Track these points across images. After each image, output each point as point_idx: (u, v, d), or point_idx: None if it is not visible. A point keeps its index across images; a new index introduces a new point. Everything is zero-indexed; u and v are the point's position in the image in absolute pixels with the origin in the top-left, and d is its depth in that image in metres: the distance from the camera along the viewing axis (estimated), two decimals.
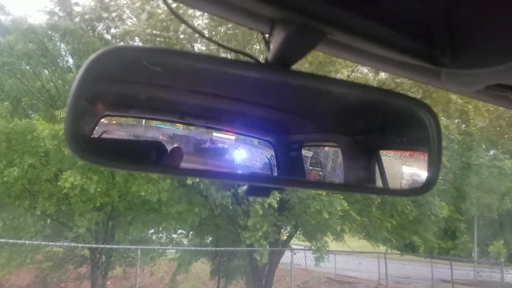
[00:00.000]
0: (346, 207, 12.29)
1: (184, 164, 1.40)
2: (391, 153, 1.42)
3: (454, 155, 15.81)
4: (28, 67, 13.78)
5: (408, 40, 0.91)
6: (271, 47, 0.88)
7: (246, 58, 0.98)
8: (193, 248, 14.53)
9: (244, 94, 1.37)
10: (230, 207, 12.69)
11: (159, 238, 15.51)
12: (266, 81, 0.98)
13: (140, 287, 13.54)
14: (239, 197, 12.87)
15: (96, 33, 14.86)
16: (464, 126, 15.52)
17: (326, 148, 1.74)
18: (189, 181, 11.69)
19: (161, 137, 1.71)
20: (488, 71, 0.91)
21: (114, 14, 13.02)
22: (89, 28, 14.42)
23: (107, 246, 12.77)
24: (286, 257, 14.72)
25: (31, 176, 11.66)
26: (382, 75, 12.52)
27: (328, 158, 1.72)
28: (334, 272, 19.72)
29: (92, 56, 0.81)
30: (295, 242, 16.66)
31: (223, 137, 1.77)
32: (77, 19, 13.11)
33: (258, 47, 12.02)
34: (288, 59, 0.89)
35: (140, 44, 11.84)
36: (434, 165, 1.10)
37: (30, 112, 14.42)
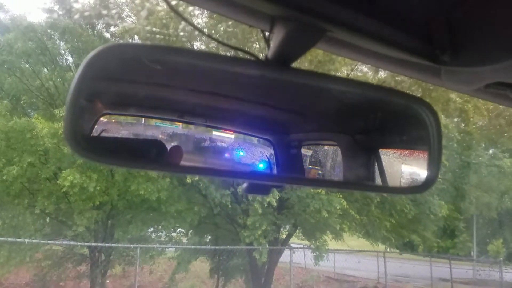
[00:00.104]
0: (345, 206, 12.30)
1: (184, 163, 1.40)
2: (390, 151, 1.42)
3: (453, 154, 15.84)
4: (27, 66, 13.78)
5: (408, 38, 0.91)
6: (271, 44, 0.88)
7: (246, 55, 0.98)
8: (193, 246, 14.53)
9: (243, 93, 1.36)
10: (230, 206, 12.69)
11: (159, 236, 15.52)
12: (266, 79, 0.97)
13: (140, 286, 13.53)
14: (239, 196, 12.88)
15: (95, 31, 14.86)
16: (463, 125, 15.53)
17: (326, 147, 1.74)
18: (188, 180, 11.68)
19: (160, 136, 1.70)
20: (488, 69, 0.91)
21: (113, 12, 13.00)
22: (88, 26, 14.42)
23: (107, 244, 12.78)
24: (285, 256, 14.73)
25: (30, 174, 11.67)
26: (382, 73, 12.54)
27: (327, 157, 1.72)
28: (333, 271, 19.73)
29: (91, 54, 0.81)
30: (294, 241, 16.69)
31: (223, 136, 1.77)
32: (76, 17, 13.09)
33: (257, 45, 12.02)
34: (288, 56, 0.89)
35: (139, 41, 11.82)
36: (434, 163, 1.10)
37: (29, 110, 14.41)
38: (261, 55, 0.95)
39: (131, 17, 13.65)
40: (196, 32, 12.14)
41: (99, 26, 14.88)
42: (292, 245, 15.60)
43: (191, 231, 15.03)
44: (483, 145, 17.81)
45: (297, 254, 15.63)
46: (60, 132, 10.12)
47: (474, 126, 15.50)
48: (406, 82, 11.84)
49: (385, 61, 1.08)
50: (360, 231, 16.19)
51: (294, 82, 1.00)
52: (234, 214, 13.80)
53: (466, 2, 0.89)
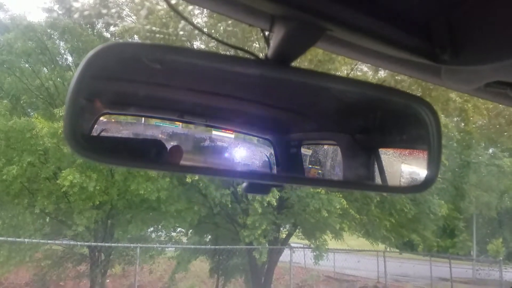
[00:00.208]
0: (345, 205, 12.30)
1: (183, 162, 1.40)
2: (390, 151, 1.42)
3: (453, 153, 15.84)
4: (27, 65, 13.77)
5: (408, 37, 0.91)
6: (271, 43, 0.88)
7: (246, 55, 0.98)
8: (192, 246, 14.53)
9: (243, 92, 1.36)
10: (229, 206, 12.69)
11: (158, 236, 15.51)
12: (265, 78, 0.97)
13: (139, 286, 13.54)
14: (238, 195, 12.88)
15: (95, 31, 14.84)
16: (463, 124, 15.53)
17: (326, 147, 1.74)
18: (188, 179, 11.68)
19: (160, 135, 1.71)
20: (488, 68, 0.91)
21: (113, 11, 13.00)
22: (88, 26, 14.42)
23: (106, 244, 12.78)
24: (285, 255, 14.73)
25: (30, 174, 11.66)
26: (382, 73, 12.53)
27: (327, 156, 1.72)
28: (333, 270, 19.73)
29: (90, 53, 0.80)
30: (294, 241, 16.68)
31: (223, 136, 1.77)
32: (76, 16, 13.09)
33: (257, 44, 12.02)
34: (288, 55, 0.89)
35: (139, 41, 11.82)
36: (433, 163, 1.10)
37: (29, 110, 14.40)
38: (261, 54, 0.95)
39: (131, 17, 13.66)
40: (196, 32, 12.14)
41: (99, 26, 14.88)
42: (292, 245, 15.61)
43: (191, 230, 15.03)
44: (483, 144, 17.80)
45: (297, 253, 15.63)
46: (60, 131, 10.12)
47: (474, 126, 15.51)
48: (406, 82, 11.85)
49: (385, 60, 1.08)
50: (360, 231, 16.18)
51: (294, 81, 1.00)
52: (234, 214, 13.81)
53: (466, 2, 0.89)
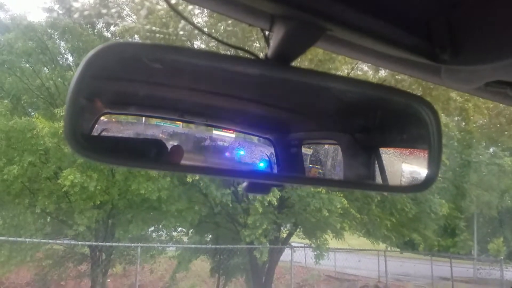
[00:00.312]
0: (346, 205, 12.30)
1: (184, 162, 1.40)
2: (391, 150, 1.42)
3: (453, 153, 15.84)
4: (27, 65, 13.79)
5: (408, 36, 0.91)
6: (271, 43, 0.88)
7: (246, 54, 0.98)
8: (193, 246, 14.54)
9: (244, 92, 1.36)
10: (230, 205, 12.70)
11: (159, 236, 15.51)
12: (266, 77, 0.97)
13: (140, 285, 13.55)
14: (239, 195, 12.88)
15: (95, 30, 14.85)
16: (463, 123, 15.53)
17: (326, 146, 1.74)
18: (189, 179, 11.69)
19: (161, 135, 1.71)
20: (488, 68, 0.91)
21: (113, 11, 13.00)
22: (88, 25, 14.42)
23: (107, 244, 12.79)
24: (286, 254, 14.73)
25: (31, 174, 11.67)
26: (382, 72, 12.53)
27: (328, 156, 1.72)
28: (333, 270, 19.72)
29: (90, 53, 0.80)
30: (295, 240, 16.68)
31: (223, 135, 1.77)
32: (76, 16, 13.10)
33: (257, 44, 12.02)
34: (288, 55, 0.89)
35: (139, 41, 11.82)
36: (434, 162, 1.10)
37: (29, 110, 14.42)
38: (261, 54, 0.95)
39: (131, 16, 13.67)
40: (196, 31, 12.15)
41: (99, 26, 14.90)
42: (293, 244, 15.60)
43: (191, 230, 15.04)
44: (484, 143, 17.79)
45: (298, 253, 15.61)
46: (61, 131, 10.12)
47: (474, 125, 15.49)
48: (406, 81, 11.84)
49: (385, 60, 1.08)
50: (360, 230, 16.18)
51: (294, 81, 1.00)
52: (235, 213, 13.81)
53: (466, 2, 0.89)
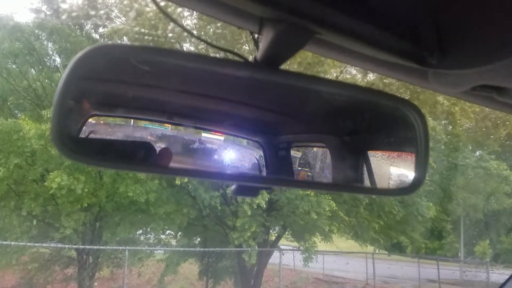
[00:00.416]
0: (334, 207, 12.35)
1: (173, 164, 1.40)
2: (379, 153, 1.43)
3: (440, 156, 16.00)
4: (14, 66, 13.65)
5: (396, 40, 0.92)
6: (260, 46, 0.88)
7: (235, 57, 0.98)
8: (181, 248, 14.50)
9: (233, 94, 1.36)
10: (219, 208, 12.67)
11: (147, 238, 15.45)
12: (254, 80, 0.97)
13: None
14: (228, 197, 12.86)
15: (83, 32, 14.75)
16: (450, 127, 15.70)
17: (315, 149, 1.74)
18: (177, 182, 11.64)
19: (149, 137, 1.69)
20: (474, 72, 0.92)
21: (102, 12, 12.92)
22: (76, 27, 14.32)
23: (94, 247, 12.66)
24: (275, 257, 14.73)
25: (17, 176, 11.53)
26: (371, 76, 12.62)
27: (316, 158, 1.72)
28: (322, 272, 19.77)
29: (78, 54, 0.80)
30: (283, 243, 16.69)
31: (212, 138, 1.76)
32: (64, 17, 12.99)
33: (247, 47, 12.03)
34: (277, 58, 0.89)
35: (128, 42, 11.76)
36: (421, 165, 1.11)
37: (16, 111, 14.27)
38: (250, 56, 0.95)
39: (120, 18, 13.59)
40: (185, 34, 12.13)
41: (87, 27, 14.78)
42: (281, 247, 15.60)
43: (180, 233, 14.99)
44: (470, 147, 18.03)
45: (286, 255, 15.63)
46: (48, 133, 10.02)
47: (461, 129, 15.69)
48: (395, 85, 11.94)
49: (373, 63, 1.09)
50: (349, 233, 16.27)
51: (283, 84, 1.00)
52: (223, 216, 13.78)
53: (454, 5, 0.90)
